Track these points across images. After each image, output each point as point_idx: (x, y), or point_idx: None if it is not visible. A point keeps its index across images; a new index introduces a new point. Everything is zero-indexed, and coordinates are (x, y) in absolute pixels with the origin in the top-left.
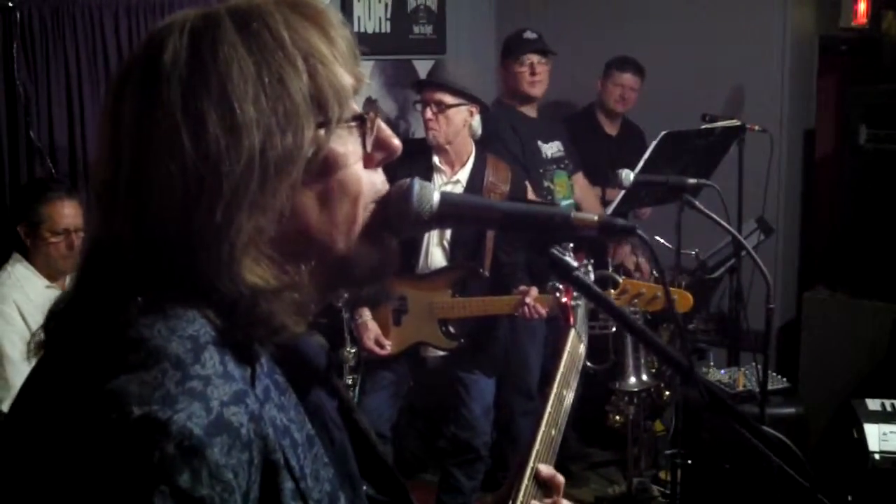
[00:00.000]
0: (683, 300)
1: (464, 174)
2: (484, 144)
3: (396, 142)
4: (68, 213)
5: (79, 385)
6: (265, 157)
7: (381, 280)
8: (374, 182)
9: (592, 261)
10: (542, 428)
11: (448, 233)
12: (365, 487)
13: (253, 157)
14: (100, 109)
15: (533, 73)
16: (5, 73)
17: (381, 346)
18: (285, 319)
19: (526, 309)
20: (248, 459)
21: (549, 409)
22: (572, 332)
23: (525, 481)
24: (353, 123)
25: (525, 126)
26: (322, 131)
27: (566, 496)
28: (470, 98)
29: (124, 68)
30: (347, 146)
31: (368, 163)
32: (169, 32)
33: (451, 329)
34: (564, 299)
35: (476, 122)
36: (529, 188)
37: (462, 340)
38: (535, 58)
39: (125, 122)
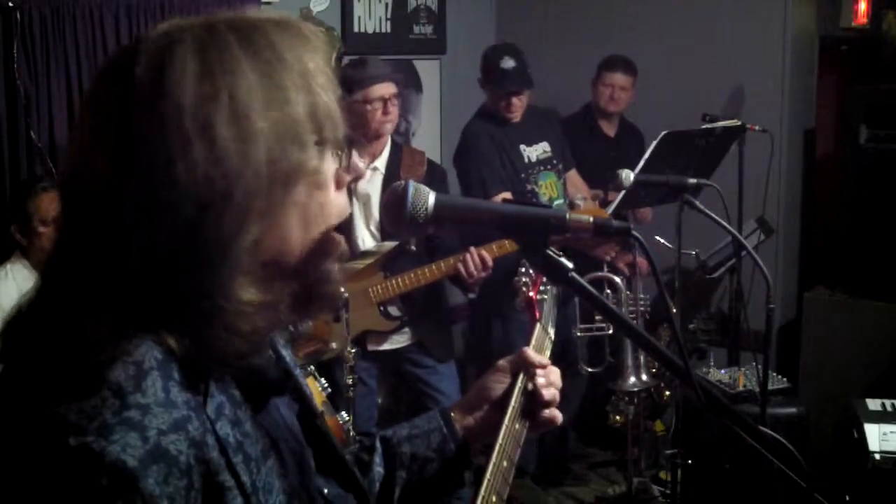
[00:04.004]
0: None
1: (381, 161)
2: (463, 155)
3: (362, 164)
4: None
5: (22, 406)
6: (272, 169)
7: (333, 304)
8: (343, 205)
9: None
10: (493, 460)
11: (376, 217)
12: (327, 490)
13: (262, 167)
14: (88, 127)
15: (510, 105)
16: (5, 73)
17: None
18: (262, 334)
19: (469, 262)
20: (188, 485)
21: (503, 432)
22: (537, 327)
23: None
24: (340, 145)
25: (506, 133)
26: (319, 151)
27: (566, 496)
28: (397, 81)
29: (117, 82)
30: (329, 167)
31: (339, 185)
32: (170, 44)
33: (391, 311)
34: (531, 293)
35: None
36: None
37: (404, 318)
38: (514, 98)
39: (129, 136)
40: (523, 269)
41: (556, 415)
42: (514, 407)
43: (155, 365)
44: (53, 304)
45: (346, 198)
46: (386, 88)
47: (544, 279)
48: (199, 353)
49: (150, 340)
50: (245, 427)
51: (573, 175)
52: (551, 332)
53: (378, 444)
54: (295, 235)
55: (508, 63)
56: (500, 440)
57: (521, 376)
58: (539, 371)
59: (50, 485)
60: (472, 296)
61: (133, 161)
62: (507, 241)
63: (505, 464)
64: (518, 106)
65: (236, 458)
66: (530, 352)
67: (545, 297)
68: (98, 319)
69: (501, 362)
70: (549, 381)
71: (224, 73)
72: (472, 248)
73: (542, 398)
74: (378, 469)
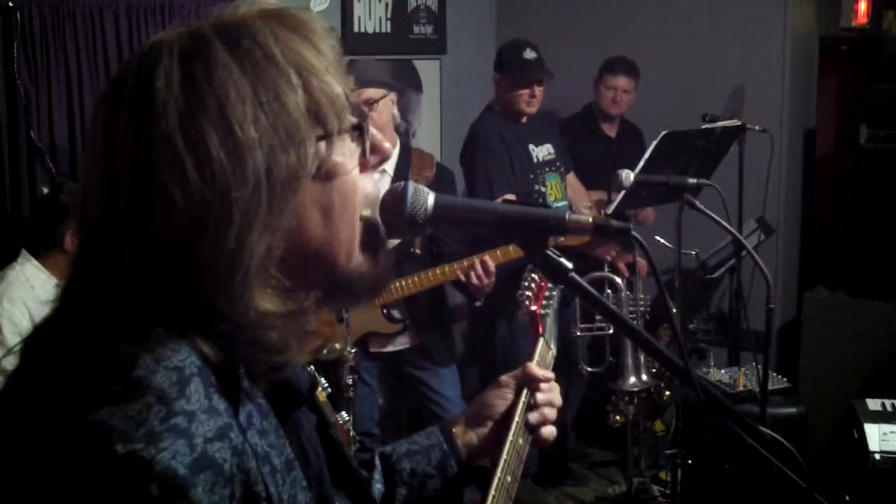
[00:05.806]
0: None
1: (390, 164)
2: (472, 152)
3: (387, 145)
4: None
5: (58, 412)
6: (271, 178)
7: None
8: (368, 187)
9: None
10: (498, 475)
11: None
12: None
13: (259, 179)
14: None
15: (532, 96)
16: (5, 73)
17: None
18: (290, 345)
19: (470, 271)
20: (230, 494)
21: (508, 443)
22: (541, 342)
23: None
24: (350, 133)
25: (515, 132)
26: (323, 145)
27: (566, 496)
28: (389, 87)
29: (111, 95)
30: (345, 155)
31: (363, 168)
32: (158, 56)
33: (394, 313)
34: (533, 307)
35: (396, 111)
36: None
37: (406, 322)
38: (536, 87)
39: (121, 151)
40: (526, 283)
41: (553, 431)
42: (517, 423)
43: (196, 371)
44: (80, 312)
45: (374, 181)
46: (357, 96)
47: (546, 293)
48: (231, 364)
49: (188, 346)
50: (270, 438)
51: (571, 178)
52: (553, 346)
53: (377, 461)
54: (317, 232)
55: (530, 54)
56: (504, 456)
57: (525, 392)
58: (543, 386)
59: (95, 494)
60: (478, 304)
61: (128, 184)
62: (511, 247)
63: (508, 479)
64: (537, 99)
65: (264, 468)
66: (535, 367)
67: (548, 311)
68: (130, 326)
69: (504, 377)
70: (549, 399)
71: (211, 83)
72: (476, 257)
73: (540, 416)
74: (377, 486)
